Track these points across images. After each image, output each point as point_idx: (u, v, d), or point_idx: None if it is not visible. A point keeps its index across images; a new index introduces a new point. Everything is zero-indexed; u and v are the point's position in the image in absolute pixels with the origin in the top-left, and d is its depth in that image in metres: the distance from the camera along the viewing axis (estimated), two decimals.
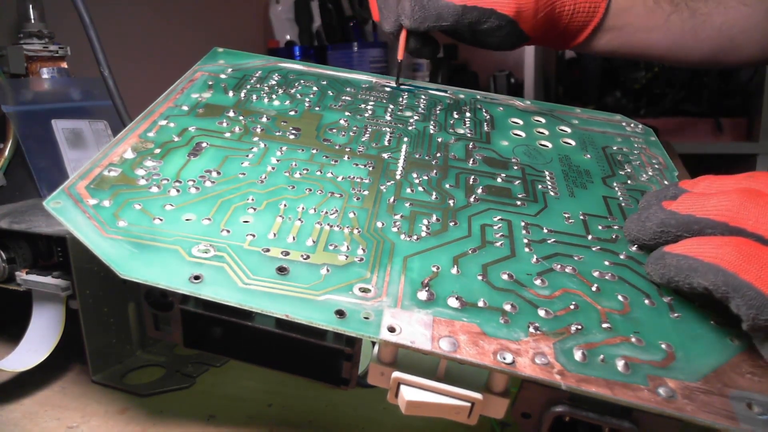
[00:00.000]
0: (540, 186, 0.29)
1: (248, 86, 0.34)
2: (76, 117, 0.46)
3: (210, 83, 0.33)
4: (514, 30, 0.37)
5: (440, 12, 0.36)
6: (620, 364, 0.19)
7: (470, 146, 0.32)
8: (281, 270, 0.21)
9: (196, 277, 0.20)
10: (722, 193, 0.22)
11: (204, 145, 0.28)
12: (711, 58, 0.43)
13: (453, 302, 0.21)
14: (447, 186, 0.28)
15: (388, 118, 0.33)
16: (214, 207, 0.24)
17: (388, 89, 0.37)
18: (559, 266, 0.23)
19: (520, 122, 0.35)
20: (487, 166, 0.30)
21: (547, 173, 0.30)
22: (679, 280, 0.21)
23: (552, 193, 0.29)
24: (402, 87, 0.38)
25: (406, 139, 0.31)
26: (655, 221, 0.23)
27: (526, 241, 0.25)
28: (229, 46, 0.38)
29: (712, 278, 0.19)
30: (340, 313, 0.20)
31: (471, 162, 0.30)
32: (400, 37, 0.37)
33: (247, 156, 0.28)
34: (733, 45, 0.42)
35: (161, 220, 0.23)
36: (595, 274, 0.23)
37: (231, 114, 0.31)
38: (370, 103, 0.35)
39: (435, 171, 0.29)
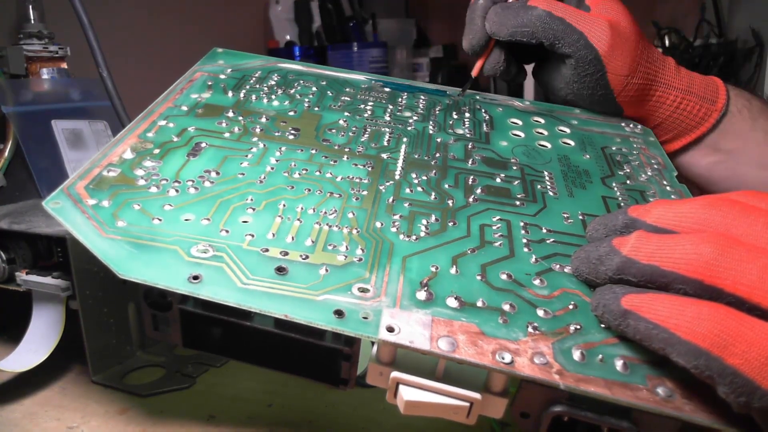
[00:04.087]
0: (539, 186, 0.29)
1: (247, 86, 0.34)
2: (76, 117, 0.46)
3: (209, 83, 0.33)
4: (600, 77, 0.34)
5: (523, 19, 0.34)
6: (619, 364, 0.19)
7: (469, 146, 0.32)
8: (280, 270, 0.21)
9: (195, 277, 0.20)
10: (690, 239, 0.19)
11: (203, 145, 0.28)
12: None
13: (452, 302, 0.21)
14: (446, 186, 0.28)
15: (387, 118, 0.33)
16: (213, 207, 0.24)
17: (387, 90, 0.37)
18: (558, 266, 0.23)
19: (519, 122, 0.35)
20: (486, 167, 0.30)
21: (546, 173, 0.30)
22: (648, 346, 0.19)
23: (551, 193, 0.29)
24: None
25: (405, 139, 0.31)
26: (610, 267, 0.20)
27: (525, 241, 0.25)
28: (228, 46, 0.38)
29: (693, 361, 0.17)
30: (339, 313, 0.20)
31: (470, 162, 0.30)
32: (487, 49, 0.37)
33: (247, 156, 0.28)
34: None
35: (160, 220, 0.23)
36: None
37: (230, 114, 0.31)
38: (369, 103, 0.35)
39: (434, 171, 0.29)
